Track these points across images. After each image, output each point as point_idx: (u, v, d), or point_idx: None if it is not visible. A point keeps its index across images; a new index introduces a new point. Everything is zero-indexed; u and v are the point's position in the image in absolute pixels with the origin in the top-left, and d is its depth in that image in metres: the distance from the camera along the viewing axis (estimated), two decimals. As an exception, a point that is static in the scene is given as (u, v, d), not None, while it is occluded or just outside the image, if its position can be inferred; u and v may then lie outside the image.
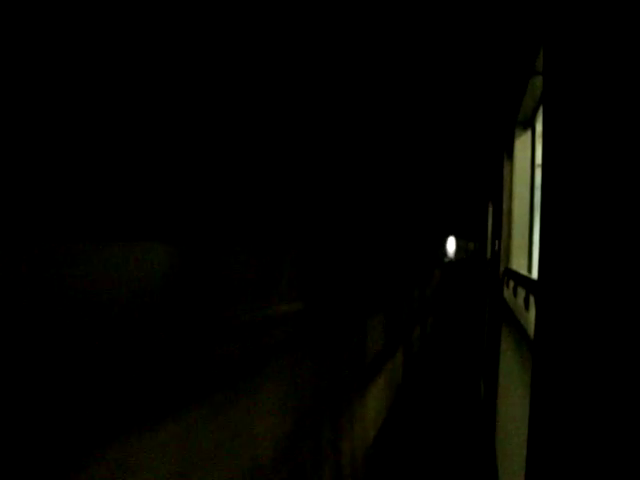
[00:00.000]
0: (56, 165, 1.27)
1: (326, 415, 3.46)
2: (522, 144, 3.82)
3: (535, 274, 2.84)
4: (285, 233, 2.69)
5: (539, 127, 3.40)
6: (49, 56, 1.23)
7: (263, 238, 2.42)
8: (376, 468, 4.81)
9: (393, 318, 6.35)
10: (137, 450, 1.52)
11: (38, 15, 1.19)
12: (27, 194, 1.20)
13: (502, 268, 4.30)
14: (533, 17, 2.35)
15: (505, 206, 4.22)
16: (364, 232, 4.60)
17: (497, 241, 4.85)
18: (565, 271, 1.19)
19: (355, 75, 3.17)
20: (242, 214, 2.22)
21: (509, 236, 4.12)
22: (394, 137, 4.90)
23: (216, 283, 2.00)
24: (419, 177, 7.12)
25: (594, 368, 1.00)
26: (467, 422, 6.03)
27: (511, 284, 3.35)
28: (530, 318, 2.21)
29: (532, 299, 2.18)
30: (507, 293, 3.71)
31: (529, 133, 3.73)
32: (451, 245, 16.74)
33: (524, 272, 3.44)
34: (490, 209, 7.71)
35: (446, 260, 15.76)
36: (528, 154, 3.79)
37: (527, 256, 3.86)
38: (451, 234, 16.33)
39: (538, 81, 2.74)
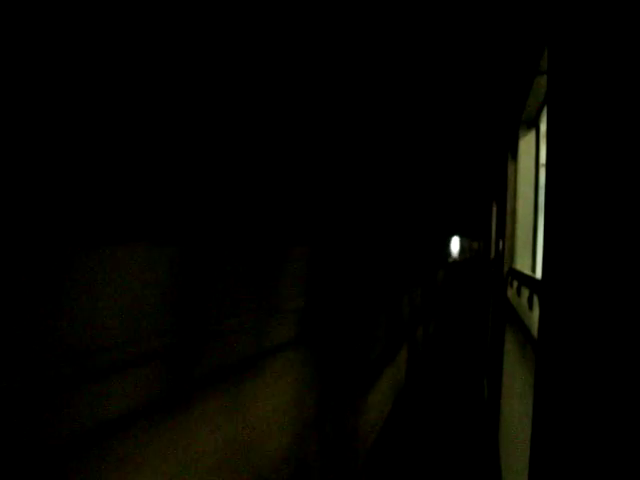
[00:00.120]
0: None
1: (331, 409, 3.50)
2: (526, 144, 3.81)
3: (539, 274, 2.84)
4: (289, 232, 2.71)
5: (543, 127, 3.39)
6: (50, 57, 1.24)
7: (269, 236, 2.43)
8: (378, 466, 4.81)
9: (397, 317, 6.35)
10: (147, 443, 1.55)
11: (39, 15, 1.20)
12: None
13: (506, 268, 4.28)
14: (538, 17, 2.35)
15: (509, 206, 4.21)
16: (369, 231, 4.60)
17: (501, 241, 4.84)
18: (569, 271, 1.19)
19: (362, 77, 3.18)
20: (251, 214, 2.23)
21: (513, 236, 4.11)
22: (400, 136, 4.90)
23: (223, 283, 2.02)
24: (424, 177, 7.11)
25: (597, 368, 1.00)
26: (470, 421, 6.02)
27: (515, 284, 3.34)
28: (534, 318, 2.20)
29: (536, 299, 2.18)
30: (511, 293, 3.70)
31: (533, 133, 3.72)
32: (455, 245, 16.70)
33: (528, 272, 3.43)
34: (494, 209, 7.68)
35: (450, 260, 15.72)
36: (532, 154, 3.77)
37: (531, 256, 3.84)
38: (455, 234, 16.29)
39: (542, 81, 2.73)
